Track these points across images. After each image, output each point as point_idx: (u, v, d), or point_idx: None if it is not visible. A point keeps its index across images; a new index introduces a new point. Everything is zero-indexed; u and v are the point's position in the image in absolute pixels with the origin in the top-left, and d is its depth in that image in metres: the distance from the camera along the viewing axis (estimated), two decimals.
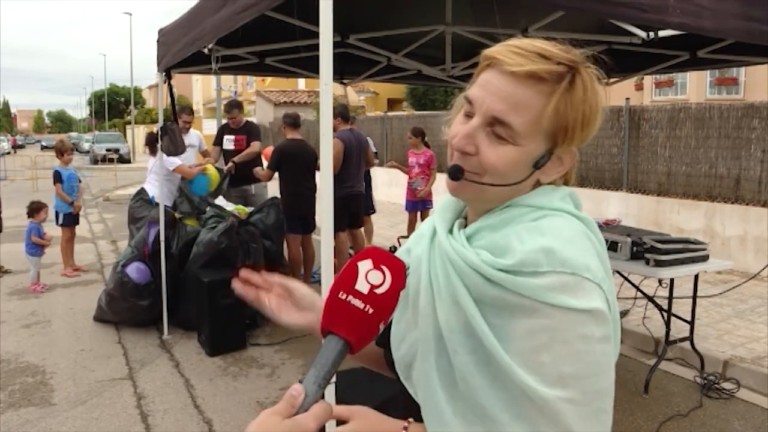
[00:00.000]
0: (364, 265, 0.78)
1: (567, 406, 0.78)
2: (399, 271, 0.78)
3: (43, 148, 52.96)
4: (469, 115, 0.90)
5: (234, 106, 6.93)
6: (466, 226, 0.96)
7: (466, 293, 0.85)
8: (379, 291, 0.76)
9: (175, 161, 6.36)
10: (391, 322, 1.00)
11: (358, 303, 0.76)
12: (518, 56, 0.85)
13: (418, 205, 7.57)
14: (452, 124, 0.93)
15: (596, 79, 0.89)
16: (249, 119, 7.33)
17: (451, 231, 0.94)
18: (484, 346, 0.82)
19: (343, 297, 0.77)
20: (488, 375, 0.82)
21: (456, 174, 0.89)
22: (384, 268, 0.77)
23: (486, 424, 0.81)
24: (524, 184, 0.90)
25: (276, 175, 6.00)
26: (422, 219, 7.46)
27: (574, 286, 0.79)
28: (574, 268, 0.80)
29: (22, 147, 59.44)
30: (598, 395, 0.81)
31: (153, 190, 6.39)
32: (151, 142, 6.49)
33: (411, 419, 0.94)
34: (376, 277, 0.77)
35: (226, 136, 6.83)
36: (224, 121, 7.28)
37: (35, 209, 6.81)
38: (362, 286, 0.77)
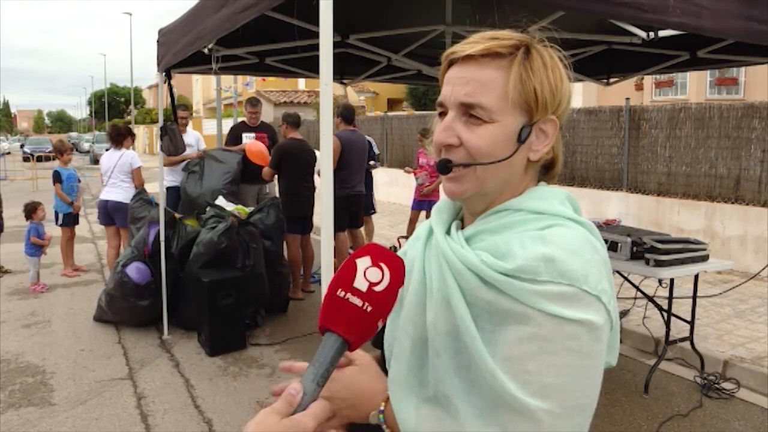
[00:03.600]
0: (363, 263, 0.77)
1: (545, 417, 0.77)
2: (398, 269, 0.78)
3: (26, 158, 29.81)
4: (443, 115, 0.92)
5: (259, 101, 7.11)
6: (463, 227, 0.96)
7: (460, 295, 0.85)
8: (377, 289, 0.76)
9: (138, 160, 6.50)
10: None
11: (356, 301, 0.75)
12: (472, 42, 0.90)
13: (424, 205, 7.50)
14: (433, 133, 0.96)
15: (555, 55, 0.92)
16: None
17: (448, 232, 0.94)
18: (468, 349, 0.82)
19: (342, 294, 0.76)
20: (467, 380, 0.83)
21: (445, 165, 0.90)
22: (383, 265, 0.77)
23: (456, 423, 0.82)
24: (517, 162, 0.91)
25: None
26: (427, 218, 7.42)
27: (571, 297, 0.79)
28: (572, 280, 0.79)
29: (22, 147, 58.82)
30: (579, 410, 0.80)
31: (120, 194, 6.43)
32: (114, 135, 6.53)
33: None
34: (374, 274, 0.76)
35: (245, 134, 6.89)
36: (240, 119, 7.34)
37: (31, 210, 6.82)
38: (361, 284, 0.76)
